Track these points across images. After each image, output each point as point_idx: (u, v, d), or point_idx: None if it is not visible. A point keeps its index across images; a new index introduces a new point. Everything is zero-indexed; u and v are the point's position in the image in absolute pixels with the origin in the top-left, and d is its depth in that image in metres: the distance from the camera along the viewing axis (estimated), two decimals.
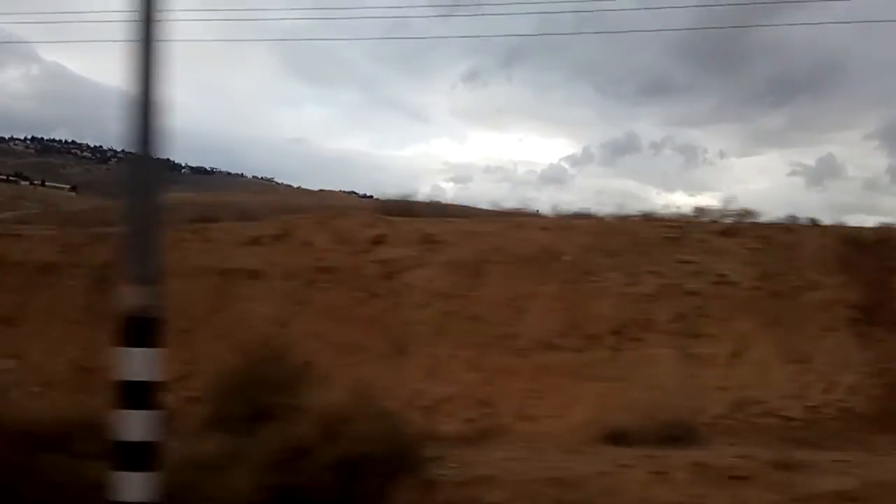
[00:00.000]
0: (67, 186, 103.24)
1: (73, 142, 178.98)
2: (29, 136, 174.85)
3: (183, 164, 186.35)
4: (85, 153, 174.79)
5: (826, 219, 15.17)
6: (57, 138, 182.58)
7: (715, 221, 14.47)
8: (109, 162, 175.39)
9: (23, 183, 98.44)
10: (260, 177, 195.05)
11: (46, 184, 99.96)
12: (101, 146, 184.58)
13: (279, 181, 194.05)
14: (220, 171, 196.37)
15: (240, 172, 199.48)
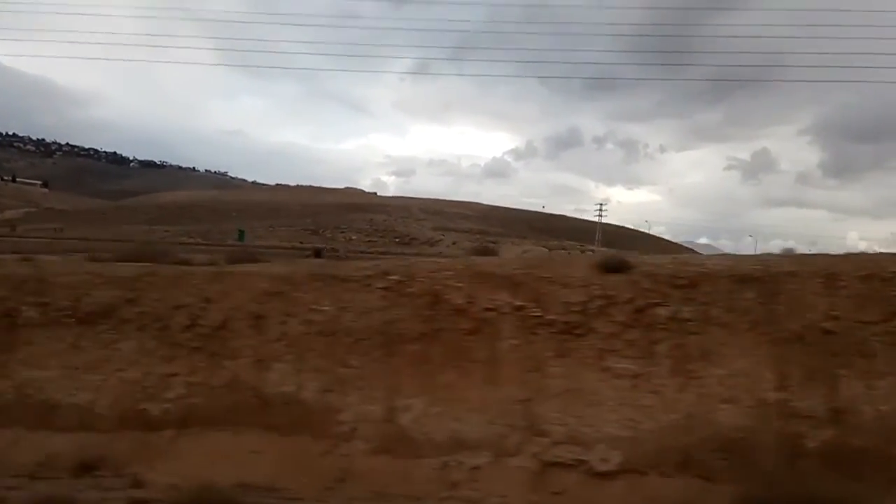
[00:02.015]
0: (39, 182, 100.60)
1: (15, 134, 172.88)
2: None
3: (131, 158, 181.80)
4: (28, 146, 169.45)
5: None
6: None
7: None
8: (54, 155, 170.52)
9: None
10: (213, 171, 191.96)
11: (17, 179, 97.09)
12: (44, 139, 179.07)
13: (233, 175, 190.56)
14: (171, 165, 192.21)
15: (191, 166, 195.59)
